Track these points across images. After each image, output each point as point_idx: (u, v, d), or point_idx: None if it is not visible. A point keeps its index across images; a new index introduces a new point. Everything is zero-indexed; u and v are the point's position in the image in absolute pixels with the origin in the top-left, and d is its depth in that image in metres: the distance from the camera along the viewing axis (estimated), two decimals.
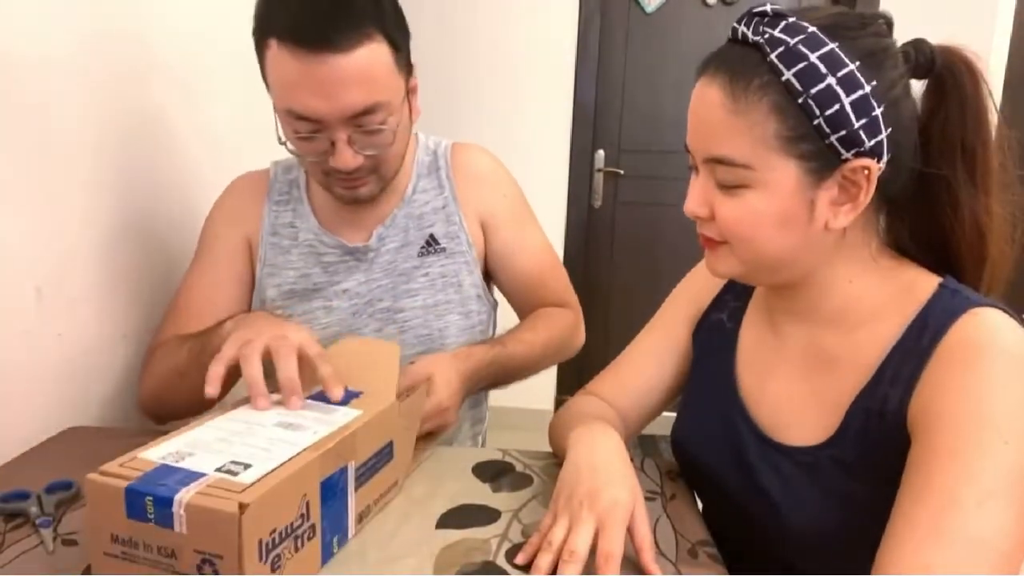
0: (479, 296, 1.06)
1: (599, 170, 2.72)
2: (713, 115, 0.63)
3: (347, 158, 0.87)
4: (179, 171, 1.21)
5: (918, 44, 0.64)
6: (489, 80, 2.64)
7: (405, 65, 0.91)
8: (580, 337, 1.12)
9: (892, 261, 0.69)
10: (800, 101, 0.60)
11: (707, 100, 0.64)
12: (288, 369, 0.70)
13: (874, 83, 0.60)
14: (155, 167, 1.14)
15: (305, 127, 0.86)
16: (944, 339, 0.61)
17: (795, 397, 0.72)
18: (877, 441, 0.64)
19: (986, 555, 0.52)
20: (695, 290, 0.88)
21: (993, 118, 0.65)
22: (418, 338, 1.02)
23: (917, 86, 0.66)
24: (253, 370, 0.70)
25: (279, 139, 0.90)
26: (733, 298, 0.83)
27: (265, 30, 0.83)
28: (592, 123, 2.68)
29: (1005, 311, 0.62)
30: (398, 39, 0.87)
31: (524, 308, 1.11)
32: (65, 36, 0.92)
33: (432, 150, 1.09)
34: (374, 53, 0.83)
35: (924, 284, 0.66)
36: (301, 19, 0.80)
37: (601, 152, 2.71)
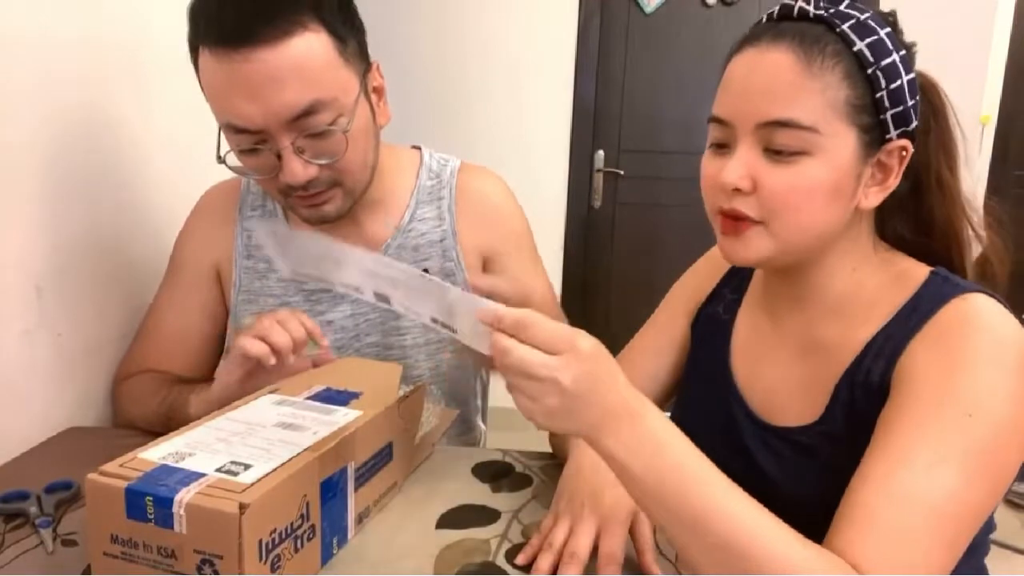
0: None
1: (599, 170, 2.72)
2: (781, 77, 0.62)
3: (296, 170, 0.77)
4: (180, 170, 1.21)
5: None
6: (489, 80, 2.64)
7: (356, 59, 0.81)
8: None
9: (887, 253, 0.71)
10: (869, 72, 0.62)
11: (771, 63, 0.63)
12: None
13: (912, 74, 0.64)
14: (156, 166, 1.14)
15: (246, 140, 0.76)
16: (932, 319, 0.63)
17: (788, 381, 0.74)
18: (864, 413, 0.65)
19: (930, 515, 0.54)
20: (693, 285, 0.89)
21: (958, 135, 0.70)
22: (408, 378, 0.93)
23: None
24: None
25: (218, 157, 0.81)
26: (729, 292, 0.85)
27: (195, 40, 0.77)
28: (592, 123, 2.68)
29: (994, 297, 0.63)
30: (341, 29, 0.78)
31: None
32: (65, 35, 0.92)
33: (436, 173, 0.99)
34: (309, 44, 0.74)
35: (916, 273, 0.68)
36: (224, 16, 0.73)
37: (601, 152, 2.71)
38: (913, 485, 0.55)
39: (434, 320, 0.60)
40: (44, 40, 0.89)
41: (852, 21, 0.62)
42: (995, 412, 0.57)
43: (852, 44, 0.62)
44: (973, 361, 0.59)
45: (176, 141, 1.21)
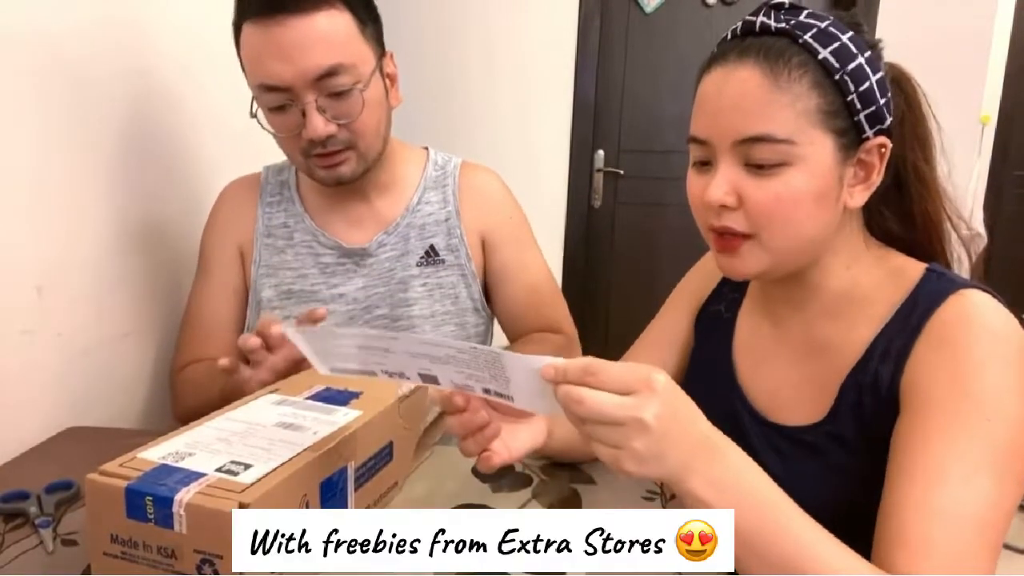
0: (476, 309, 1.08)
1: (599, 170, 2.72)
2: (751, 94, 0.63)
3: (317, 125, 0.88)
4: (181, 169, 1.21)
5: None
6: (489, 80, 2.64)
7: (373, 42, 0.93)
8: None
9: (879, 250, 0.72)
10: (837, 77, 0.62)
11: (740, 81, 0.64)
12: None
13: (881, 72, 0.64)
14: (157, 165, 1.14)
15: (275, 98, 0.88)
16: (932, 318, 0.63)
17: (792, 380, 0.74)
18: (872, 415, 0.66)
19: (976, 526, 0.55)
20: (695, 283, 0.90)
21: (932, 125, 0.71)
22: None
23: None
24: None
25: (251, 113, 0.92)
26: (730, 290, 0.86)
27: (239, 20, 0.89)
28: (592, 123, 2.68)
29: (990, 292, 0.64)
30: (361, 13, 0.91)
31: (515, 331, 1.11)
32: (67, 33, 0.92)
33: (441, 166, 1.10)
34: (334, 19, 0.87)
35: (912, 269, 0.69)
36: None
37: (601, 152, 2.71)
38: (955, 500, 0.55)
39: (487, 391, 0.57)
40: (41, 38, 0.89)
41: (814, 30, 0.63)
42: (1008, 412, 0.58)
43: (816, 53, 0.62)
44: (980, 362, 0.59)
45: (181, 146, 1.21)
